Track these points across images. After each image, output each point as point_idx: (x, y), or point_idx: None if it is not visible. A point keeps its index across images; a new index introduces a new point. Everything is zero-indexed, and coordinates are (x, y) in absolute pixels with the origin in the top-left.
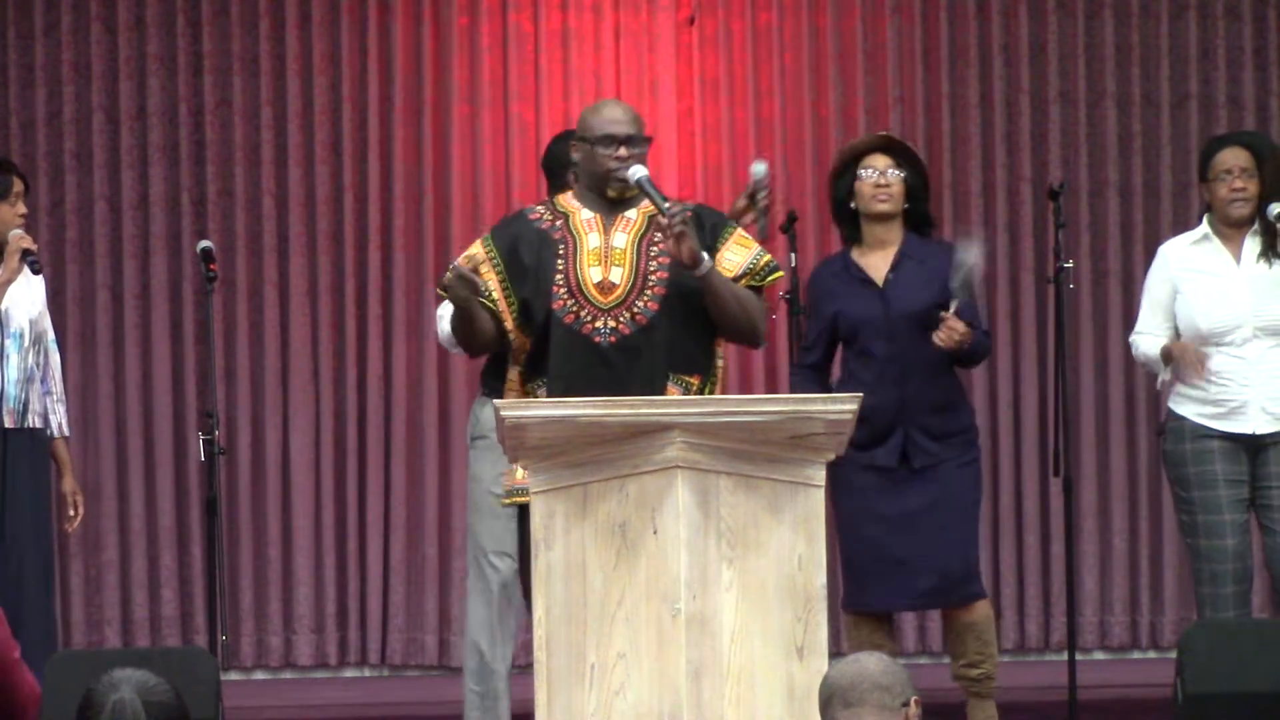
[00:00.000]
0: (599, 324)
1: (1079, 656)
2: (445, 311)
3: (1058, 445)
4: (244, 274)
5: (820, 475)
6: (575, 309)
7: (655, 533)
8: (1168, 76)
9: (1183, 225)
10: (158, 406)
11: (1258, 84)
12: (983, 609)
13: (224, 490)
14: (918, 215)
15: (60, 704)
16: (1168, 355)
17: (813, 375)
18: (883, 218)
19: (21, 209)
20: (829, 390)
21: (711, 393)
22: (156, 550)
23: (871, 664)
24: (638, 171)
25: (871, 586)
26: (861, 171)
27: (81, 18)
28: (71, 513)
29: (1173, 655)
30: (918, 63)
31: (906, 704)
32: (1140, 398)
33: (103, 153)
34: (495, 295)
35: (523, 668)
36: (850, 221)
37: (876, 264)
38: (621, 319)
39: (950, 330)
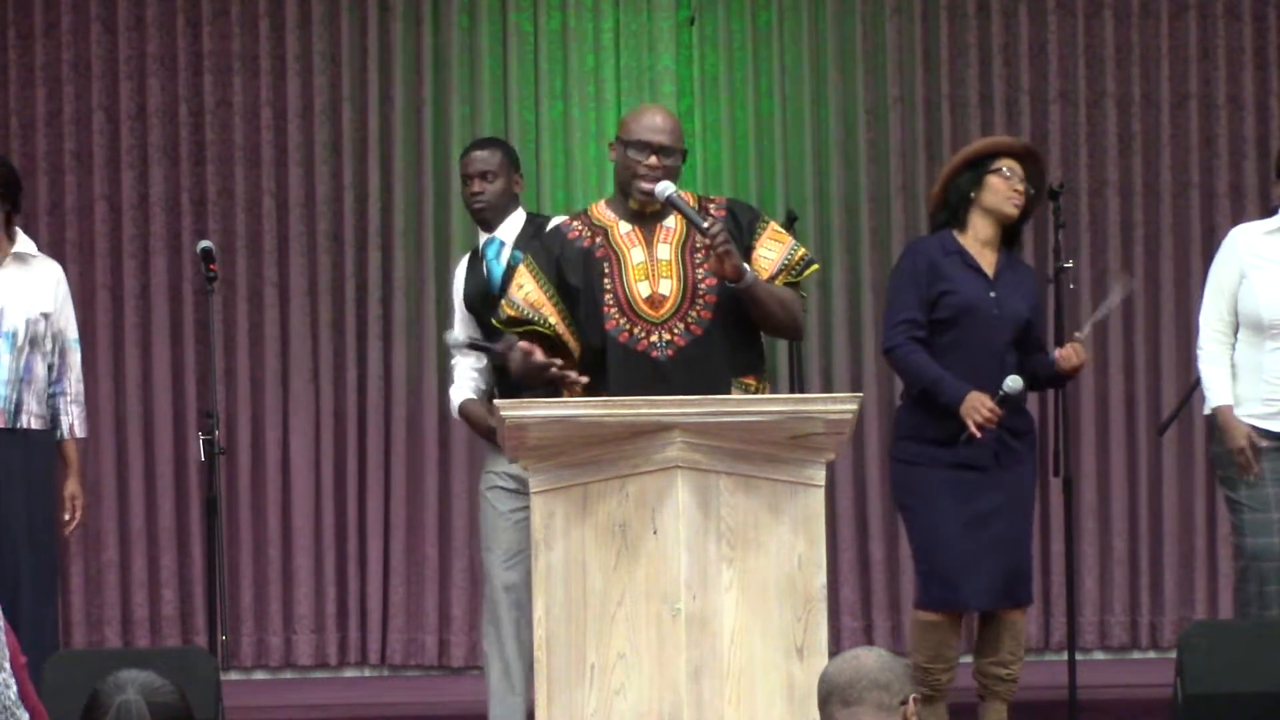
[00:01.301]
0: (654, 338)
1: (1079, 656)
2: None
3: (1058, 445)
4: (244, 274)
5: (820, 475)
6: (629, 327)
7: (655, 533)
8: (1168, 76)
9: (1183, 225)
10: (158, 406)
11: (1258, 84)
12: (1024, 611)
13: (224, 490)
14: (1016, 230)
15: (61, 704)
16: (1221, 424)
17: (927, 351)
18: (1002, 220)
19: None
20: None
21: (766, 388)
22: (156, 550)
23: (870, 661)
24: (666, 188)
25: (967, 588)
26: (1004, 169)
27: (81, 18)
28: (68, 517)
29: (1173, 655)
30: (918, 63)
31: (905, 701)
32: (1140, 398)
33: (103, 153)
34: (553, 321)
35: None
36: (956, 210)
37: (984, 257)
38: (676, 331)
39: (1076, 353)
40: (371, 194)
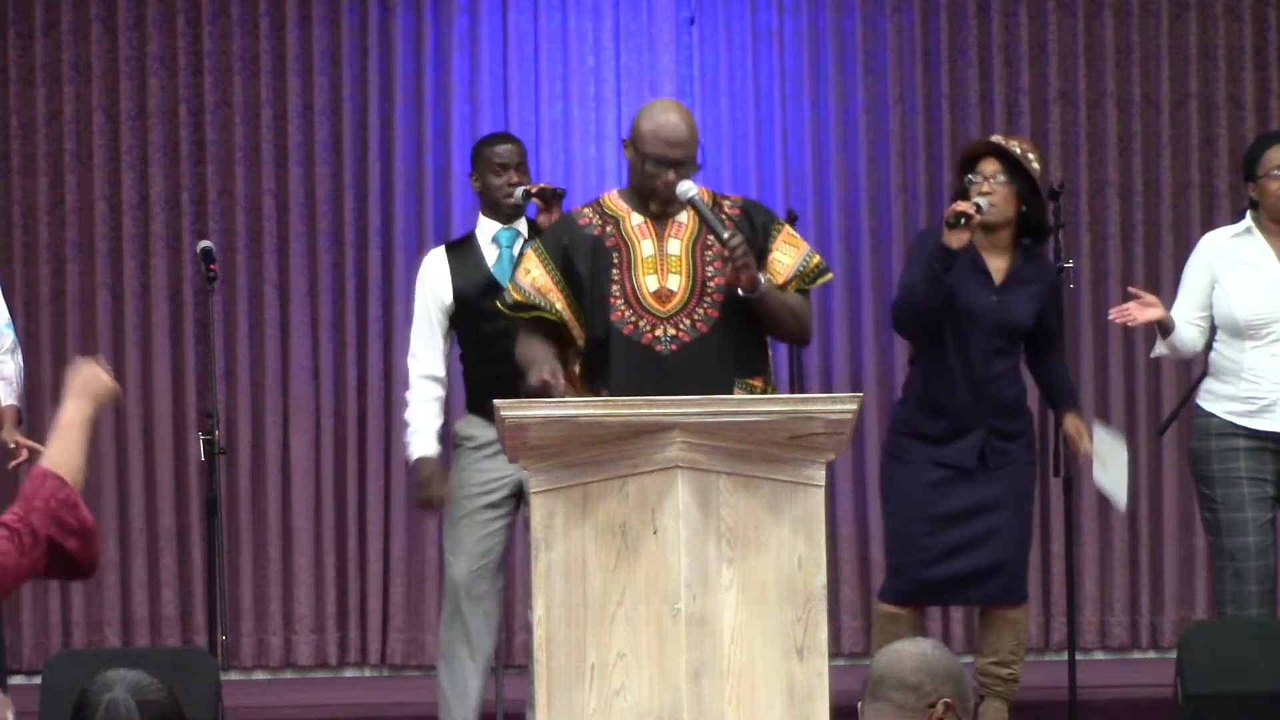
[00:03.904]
0: (659, 333)
1: (1079, 656)
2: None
3: (1058, 445)
4: (244, 274)
5: (820, 475)
6: (634, 319)
7: (655, 533)
8: (1168, 76)
9: (1183, 225)
10: (158, 406)
11: (1258, 84)
12: (1024, 609)
13: (224, 490)
14: (1031, 223)
15: (61, 704)
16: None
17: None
18: (988, 227)
19: None
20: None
21: (771, 391)
22: (156, 550)
23: (908, 659)
24: (689, 190)
25: (924, 588)
26: (972, 176)
27: (81, 17)
28: (13, 447)
29: (1173, 655)
30: (918, 63)
31: (934, 704)
32: (1140, 398)
33: (103, 153)
34: (559, 307)
35: (520, 667)
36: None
37: (994, 262)
38: (682, 327)
39: (1079, 434)
40: (371, 194)
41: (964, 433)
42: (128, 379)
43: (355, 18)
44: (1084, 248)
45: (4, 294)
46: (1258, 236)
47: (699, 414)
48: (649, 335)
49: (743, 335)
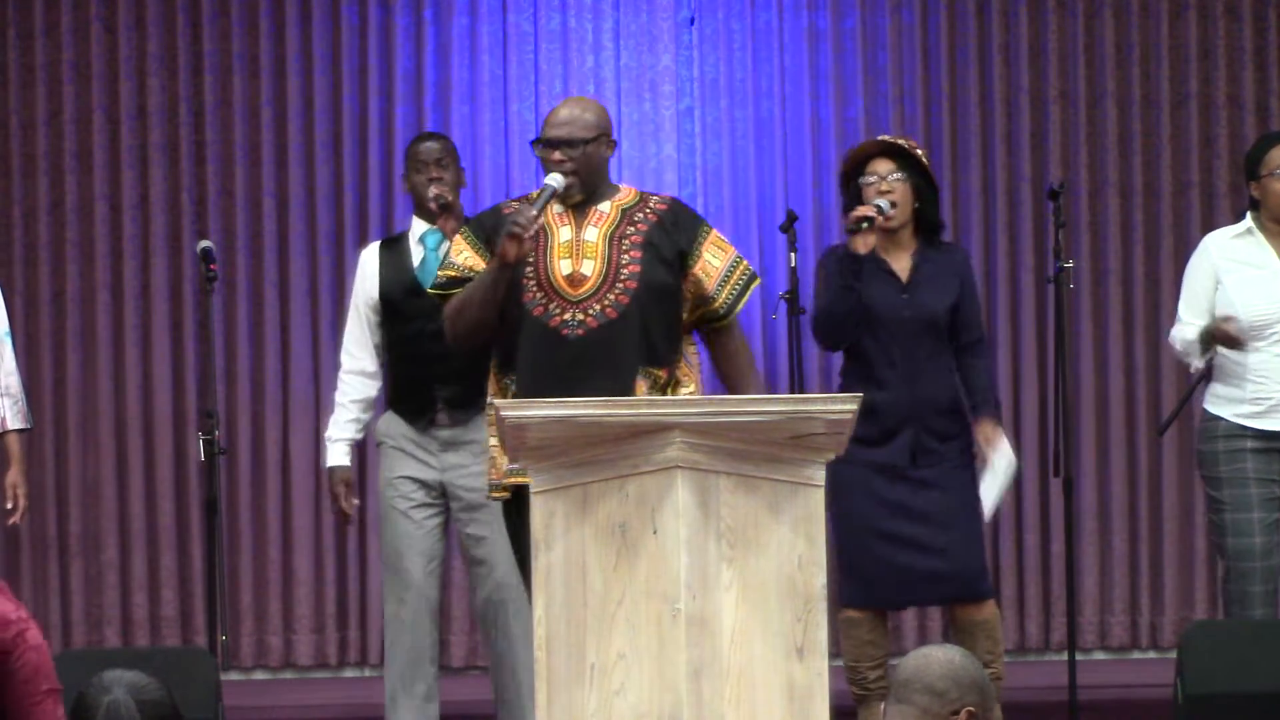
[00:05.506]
0: (567, 316)
1: (1079, 656)
2: None
3: (1058, 445)
4: (244, 274)
5: (820, 475)
6: (544, 301)
7: (655, 533)
8: (1168, 76)
9: (1182, 225)
10: (158, 406)
11: (1258, 84)
12: (992, 608)
13: (224, 490)
14: (927, 220)
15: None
16: (1207, 336)
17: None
18: (887, 229)
19: None
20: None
21: (674, 383)
22: (156, 550)
23: (935, 664)
24: (546, 181)
25: (881, 583)
26: (867, 177)
27: (81, 18)
28: (10, 505)
29: (1173, 655)
30: (918, 63)
31: (957, 712)
32: (1140, 398)
33: (103, 153)
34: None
35: (483, 669)
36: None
37: (898, 262)
38: (590, 312)
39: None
40: (372, 193)
41: (894, 433)
42: (128, 379)
43: (355, 18)
44: (1084, 247)
45: (4, 296)
46: (1259, 237)
47: (699, 414)
48: (558, 319)
49: (653, 326)
